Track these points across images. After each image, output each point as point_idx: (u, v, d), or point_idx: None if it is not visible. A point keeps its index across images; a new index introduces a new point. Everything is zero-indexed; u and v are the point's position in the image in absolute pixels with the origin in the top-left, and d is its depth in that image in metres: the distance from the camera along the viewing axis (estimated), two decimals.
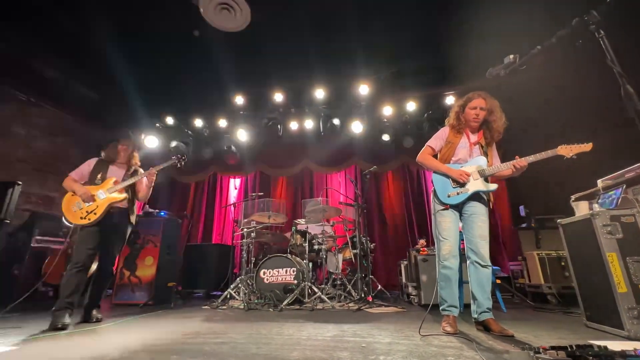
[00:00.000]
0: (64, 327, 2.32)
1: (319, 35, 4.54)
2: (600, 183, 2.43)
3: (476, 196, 2.22)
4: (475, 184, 2.19)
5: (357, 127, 5.53)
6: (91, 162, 2.92)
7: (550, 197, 4.55)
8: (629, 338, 1.78)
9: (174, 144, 5.87)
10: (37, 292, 4.05)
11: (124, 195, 2.83)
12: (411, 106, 5.36)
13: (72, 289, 2.49)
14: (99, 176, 2.85)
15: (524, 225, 4.37)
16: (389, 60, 5.06)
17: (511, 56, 1.57)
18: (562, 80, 4.04)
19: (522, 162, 2.12)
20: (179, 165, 3.21)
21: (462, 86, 5.14)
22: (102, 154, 3.00)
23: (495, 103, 2.28)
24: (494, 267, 4.70)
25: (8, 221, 3.90)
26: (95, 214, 2.69)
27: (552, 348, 1.18)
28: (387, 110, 5.43)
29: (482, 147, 2.31)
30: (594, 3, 1.10)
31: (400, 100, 5.43)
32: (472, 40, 4.22)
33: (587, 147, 1.97)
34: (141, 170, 3.06)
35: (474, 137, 2.35)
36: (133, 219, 2.97)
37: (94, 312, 2.69)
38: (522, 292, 3.98)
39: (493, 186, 2.20)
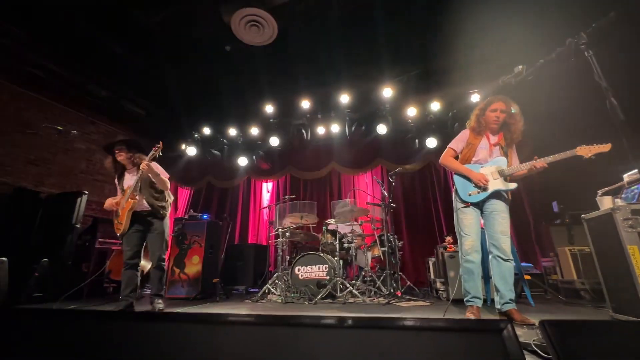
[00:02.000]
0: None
1: (344, 41, 4.76)
2: (626, 178, 2.46)
3: (496, 194, 2.34)
4: (495, 183, 2.32)
5: (381, 129, 5.69)
6: (115, 180, 3.15)
7: (584, 192, 4.44)
8: None
9: (214, 152, 6.34)
10: (102, 287, 4.65)
11: (135, 200, 2.92)
12: (435, 106, 5.43)
13: (124, 284, 2.91)
14: (119, 187, 3.10)
15: (557, 221, 4.32)
16: (413, 62, 5.19)
17: (520, 67, 1.73)
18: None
19: (541, 162, 2.22)
20: (157, 155, 2.98)
21: (486, 85, 5.14)
22: (112, 170, 3.16)
23: (514, 106, 2.39)
24: (526, 264, 4.70)
25: (78, 226, 4.52)
26: (121, 223, 2.94)
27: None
28: (412, 111, 5.54)
29: (502, 148, 2.42)
30: (586, 25, 1.26)
31: (424, 101, 5.52)
32: (497, 38, 4.25)
33: (605, 147, 2.05)
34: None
35: (494, 139, 2.47)
36: (164, 212, 3.10)
37: (156, 300, 3.05)
38: (555, 288, 3.95)
39: (512, 185, 2.32)
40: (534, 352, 1.39)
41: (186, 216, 4.69)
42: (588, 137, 2.11)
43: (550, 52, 1.54)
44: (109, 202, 3.02)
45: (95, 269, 4.49)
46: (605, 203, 2.33)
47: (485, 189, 2.32)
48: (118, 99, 6.24)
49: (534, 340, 1.34)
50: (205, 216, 4.68)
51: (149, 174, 2.93)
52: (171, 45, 4.86)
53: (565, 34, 1.35)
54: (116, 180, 3.12)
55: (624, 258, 2.03)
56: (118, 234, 2.99)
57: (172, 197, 3.36)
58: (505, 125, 2.44)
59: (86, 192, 4.58)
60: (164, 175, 3.08)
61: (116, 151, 3.04)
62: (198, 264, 4.34)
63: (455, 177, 2.50)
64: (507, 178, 2.34)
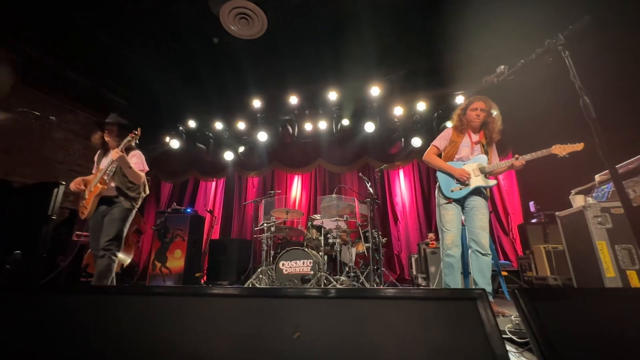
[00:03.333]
0: None
1: (332, 38, 4.78)
2: (597, 178, 2.59)
3: (477, 191, 2.43)
4: (476, 180, 2.41)
5: (368, 127, 5.75)
6: (95, 156, 2.91)
7: (560, 193, 4.66)
8: None
9: (199, 145, 6.25)
10: (78, 281, 4.51)
11: (105, 185, 2.66)
12: (421, 106, 5.54)
13: (96, 275, 2.54)
14: (95, 168, 2.83)
15: (533, 220, 4.50)
16: (401, 62, 5.27)
17: (502, 67, 1.79)
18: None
19: (520, 161, 2.32)
20: (134, 143, 2.84)
21: (471, 86, 5.29)
22: (96, 145, 2.92)
23: (494, 105, 2.49)
24: (504, 262, 4.88)
25: (54, 217, 4.35)
26: (86, 207, 2.66)
27: None
28: (398, 111, 5.62)
29: (482, 146, 2.52)
30: (564, 27, 1.32)
31: (410, 101, 5.62)
32: (481, 41, 4.37)
33: (578, 146, 2.16)
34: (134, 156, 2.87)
35: (475, 137, 2.56)
36: (131, 204, 2.78)
37: None
38: (530, 284, 4.12)
39: (492, 182, 2.41)
40: (509, 340, 1.45)
41: (169, 210, 4.61)
42: (567, 137, 2.22)
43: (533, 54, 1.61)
44: (77, 182, 2.72)
45: (71, 262, 4.35)
46: (578, 201, 2.46)
47: (467, 185, 2.40)
48: (99, 88, 6.05)
49: (508, 327, 1.40)
50: (188, 210, 4.61)
51: (121, 164, 2.68)
52: (157, 34, 4.75)
53: (548, 36, 1.41)
54: (96, 157, 2.89)
55: (593, 253, 2.15)
56: (82, 217, 2.73)
57: (147, 193, 3.06)
58: (485, 124, 2.54)
59: (63, 183, 4.40)
60: (139, 168, 2.82)
61: (107, 130, 2.84)
62: (180, 258, 4.27)
63: (439, 174, 2.58)
64: (487, 175, 2.43)
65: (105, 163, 2.78)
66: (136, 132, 2.78)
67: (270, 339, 0.61)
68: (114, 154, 2.61)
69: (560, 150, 2.19)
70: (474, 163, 2.47)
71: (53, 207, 4.30)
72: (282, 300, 0.66)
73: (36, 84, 5.35)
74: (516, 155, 2.35)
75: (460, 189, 2.43)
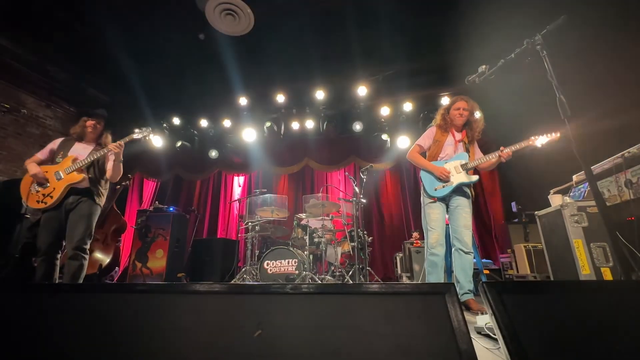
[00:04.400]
0: None
1: (320, 37, 4.76)
2: (574, 178, 2.66)
3: (460, 190, 2.47)
4: (458, 177, 2.44)
5: (355, 126, 5.76)
6: (57, 141, 2.67)
7: (541, 193, 4.79)
8: None
9: (179, 143, 6.13)
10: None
11: (83, 175, 2.49)
12: (408, 106, 5.58)
13: (39, 279, 2.35)
14: (60, 154, 2.55)
15: (515, 220, 4.60)
16: (387, 62, 5.30)
17: (483, 66, 1.81)
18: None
19: (508, 152, 2.35)
20: (143, 139, 2.92)
21: (456, 87, 5.37)
22: (70, 130, 2.73)
23: (475, 105, 2.56)
24: (487, 260, 4.97)
25: (28, 216, 4.17)
26: (51, 197, 2.40)
27: None
28: (385, 111, 5.65)
29: (465, 144, 2.57)
30: (542, 27, 1.34)
31: (397, 101, 5.66)
32: (466, 42, 4.44)
33: (555, 137, 2.23)
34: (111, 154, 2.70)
35: (458, 136, 2.61)
36: (100, 200, 2.62)
37: None
38: None
39: (474, 177, 2.45)
40: (487, 336, 1.46)
41: (151, 208, 4.49)
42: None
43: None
44: (41, 169, 2.45)
45: None
46: (556, 201, 2.52)
47: (449, 182, 2.43)
48: (80, 82, 5.84)
49: (486, 324, 1.41)
50: (171, 209, 4.50)
51: (114, 156, 2.60)
52: (141, 28, 4.62)
53: (528, 36, 1.43)
54: (57, 145, 2.63)
55: (569, 251, 2.20)
56: (38, 207, 2.43)
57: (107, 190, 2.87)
58: (468, 123, 2.61)
59: None
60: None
61: (94, 120, 2.68)
62: (162, 258, 4.17)
63: (422, 173, 2.61)
64: (469, 171, 2.46)
65: (78, 151, 2.60)
66: (149, 129, 2.88)
67: (230, 337, 0.58)
68: (115, 146, 2.53)
69: (539, 141, 2.27)
70: (455, 161, 2.50)
71: (27, 205, 4.12)
72: (246, 297, 0.63)
73: (11, 77, 5.13)
74: (501, 147, 2.39)
75: (443, 186, 2.45)
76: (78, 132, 2.69)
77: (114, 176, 2.69)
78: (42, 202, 2.42)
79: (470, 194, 2.53)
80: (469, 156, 2.52)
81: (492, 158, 2.42)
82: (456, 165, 2.46)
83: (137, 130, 2.84)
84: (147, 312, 0.66)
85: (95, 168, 2.62)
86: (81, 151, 2.61)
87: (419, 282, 3.29)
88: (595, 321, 0.56)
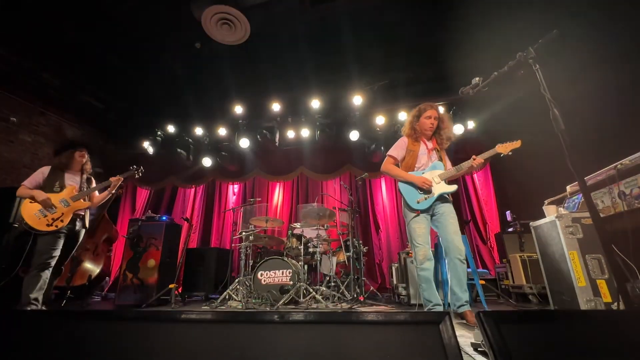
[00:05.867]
0: None
1: (315, 47, 4.80)
2: (568, 188, 2.67)
3: (441, 198, 2.44)
4: (439, 187, 2.42)
5: (351, 135, 5.77)
6: (44, 170, 2.97)
7: (535, 202, 4.81)
8: None
9: (176, 152, 6.11)
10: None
11: (88, 203, 2.98)
12: (402, 116, 5.61)
13: (36, 287, 2.65)
14: (56, 184, 2.91)
15: (510, 229, 4.60)
16: (382, 71, 5.35)
17: (477, 78, 1.82)
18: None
19: (479, 160, 2.36)
20: (137, 176, 3.39)
21: (451, 97, 5.43)
22: (56, 160, 3.08)
23: (445, 114, 2.59)
24: (482, 270, 4.94)
25: (16, 225, 4.08)
26: (62, 221, 2.79)
27: None
28: (380, 120, 5.67)
29: (437, 152, 2.57)
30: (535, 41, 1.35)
31: (392, 110, 5.69)
32: (460, 53, 4.50)
33: (517, 144, 2.28)
34: (93, 179, 3.24)
35: (430, 144, 2.60)
36: (87, 222, 3.11)
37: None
38: (507, 293, 4.18)
39: (453, 187, 2.44)
40: (483, 352, 1.43)
41: (143, 217, 4.42)
42: (543, 147, 2.30)
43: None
44: (45, 197, 2.78)
45: None
46: (550, 212, 2.51)
47: (430, 192, 2.41)
48: (74, 89, 5.80)
49: (483, 341, 1.38)
50: (164, 218, 4.43)
51: (108, 191, 3.11)
52: (136, 36, 4.62)
53: (522, 49, 1.44)
54: (46, 174, 2.94)
55: (565, 262, 2.19)
56: (48, 230, 2.75)
57: None
58: (437, 131, 2.60)
59: None
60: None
61: (78, 151, 3.08)
62: (154, 269, 4.08)
63: (401, 186, 2.53)
64: (446, 180, 2.46)
65: (70, 180, 3.00)
66: (141, 169, 3.44)
67: None
68: (119, 177, 3.11)
69: (503, 148, 2.30)
70: (432, 170, 2.49)
71: (15, 214, 4.04)
72: (230, 326, 0.60)
73: (4, 83, 5.08)
74: (473, 156, 2.39)
75: (426, 198, 2.41)
76: (64, 162, 3.04)
77: (98, 204, 3.18)
78: (52, 225, 2.78)
79: (450, 199, 2.51)
80: (443, 165, 2.52)
81: (464, 169, 2.41)
82: (434, 175, 2.44)
83: (131, 167, 3.40)
84: (122, 341, 0.63)
85: (87, 196, 3.06)
86: (74, 180, 3.03)
87: (417, 295, 3.25)
88: (597, 353, 0.54)
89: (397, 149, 2.62)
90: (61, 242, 2.82)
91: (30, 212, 2.78)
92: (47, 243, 2.76)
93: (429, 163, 2.53)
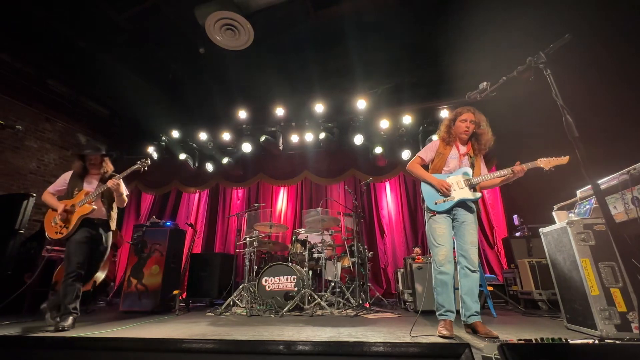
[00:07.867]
0: (64, 330, 2.54)
1: (319, 51, 4.80)
2: (579, 194, 2.61)
3: (464, 205, 2.36)
4: (461, 192, 2.34)
5: (355, 139, 5.74)
6: (66, 176, 3.02)
7: (543, 207, 4.73)
8: (601, 338, 1.93)
9: (182, 156, 6.13)
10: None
11: (93, 206, 2.86)
12: (407, 119, 5.57)
13: (73, 296, 2.68)
14: (75, 190, 2.94)
15: (517, 234, 4.52)
16: (386, 75, 5.32)
17: (484, 83, 1.78)
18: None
19: (522, 166, 2.23)
20: (142, 170, 3.16)
21: (456, 100, 5.38)
22: (75, 166, 3.08)
23: (482, 117, 2.46)
24: (490, 276, 4.86)
25: (22, 231, 4.09)
26: (67, 227, 2.79)
27: (518, 340, 1.33)
28: (384, 124, 5.64)
29: (470, 157, 2.48)
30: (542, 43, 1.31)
31: (396, 114, 5.65)
32: (465, 56, 4.46)
33: (564, 160, 2.13)
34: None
35: (463, 149, 2.50)
36: (112, 225, 3.09)
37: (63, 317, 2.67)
38: (515, 299, 4.09)
39: (478, 195, 2.36)
40: None
41: (147, 223, 4.41)
42: (551, 152, 2.22)
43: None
44: (61, 206, 2.82)
45: (40, 280, 4.08)
46: (560, 217, 2.46)
47: (450, 197, 2.34)
48: (79, 95, 5.86)
49: (495, 355, 1.33)
50: (168, 223, 4.42)
51: (114, 189, 2.96)
52: (141, 43, 4.65)
53: (531, 53, 1.40)
54: (68, 178, 3.00)
55: (577, 270, 2.13)
56: (57, 237, 2.81)
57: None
58: (474, 135, 2.50)
59: (34, 195, 4.16)
60: (126, 193, 3.13)
61: (94, 156, 3.05)
62: (158, 274, 4.06)
63: (423, 186, 2.51)
64: (476, 187, 2.37)
65: (88, 185, 2.99)
66: (146, 161, 3.13)
67: None
68: (112, 183, 2.89)
69: (546, 163, 2.17)
70: (458, 175, 2.42)
71: (21, 220, 4.05)
72: (232, 357, 0.57)
73: (11, 91, 5.13)
74: (517, 162, 2.27)
75: (444, 201, 2.36)
76: (82, 167, 3.04)
77: (120, 204, 3.14)
78: (59, 232, 2.80)
79: (475, 209, 2.45)
80: (474, 171, 2.42)
81: (501, 175, 2.29)
82: (459, 179, 2.38)
83: (138, 162, 3.13)
84: None
85: (107, 197, 3.02)
86: (91, 184, 3.01)
87: (422, 303, 3.18)
88: None
89: (427, 151, 2.58)
90: (85, 248, 2.79)
91: (48, 219, 2.88)
92: (70, 249, 2.77)
93: (457, 168, 2.45)
